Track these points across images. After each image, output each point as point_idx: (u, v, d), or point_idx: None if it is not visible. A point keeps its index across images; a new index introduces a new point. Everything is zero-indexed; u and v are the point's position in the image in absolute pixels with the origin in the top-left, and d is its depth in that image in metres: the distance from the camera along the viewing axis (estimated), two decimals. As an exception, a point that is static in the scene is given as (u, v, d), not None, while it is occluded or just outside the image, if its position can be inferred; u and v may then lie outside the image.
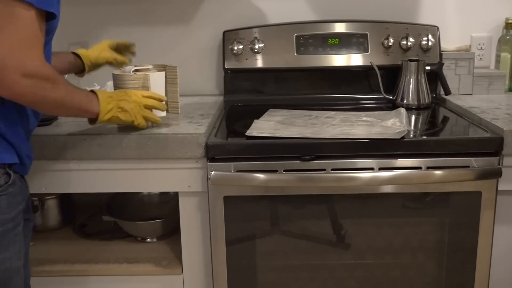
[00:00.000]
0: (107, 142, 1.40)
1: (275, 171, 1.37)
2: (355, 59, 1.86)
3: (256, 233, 1.45)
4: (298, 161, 1.37)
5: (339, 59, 1.86)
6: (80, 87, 1.82)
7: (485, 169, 1.37)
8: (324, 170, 1.37)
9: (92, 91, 1.32)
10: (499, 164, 1.38)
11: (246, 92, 1.92)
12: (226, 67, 1.88)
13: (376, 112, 1.67)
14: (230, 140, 1.45)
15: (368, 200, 1.43)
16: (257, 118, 1.58)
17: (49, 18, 1.13)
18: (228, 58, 1.87)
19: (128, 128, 1.41)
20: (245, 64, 1.87)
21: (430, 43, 1.85)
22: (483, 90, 1.88)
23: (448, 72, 1.86)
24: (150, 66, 1.53)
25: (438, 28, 1.87)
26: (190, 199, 1.45)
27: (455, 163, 1.38)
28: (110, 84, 1.79)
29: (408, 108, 1.74)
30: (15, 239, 1.14)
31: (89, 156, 1.41)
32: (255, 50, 1.86)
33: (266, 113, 1.67)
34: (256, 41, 1.85)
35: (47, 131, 1.43)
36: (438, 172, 1.36)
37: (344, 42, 1.86)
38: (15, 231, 1.14)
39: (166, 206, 1.73)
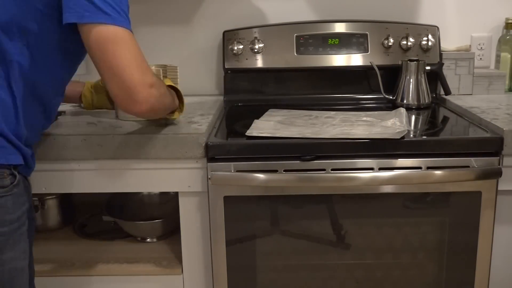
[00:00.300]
0: (107, 142, 1.40)
1: (275, 171, 1.37)
2: (355, 59, 1.86)
3: (256, 233, 1.45)
4: (298, 161, 1.37)
5: (339, 59, 1.86)
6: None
7: (485, 169, 1.37)
8: (324, 170, 1.37)
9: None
10: (499, 164, 1.38)
11: (246, 92, 1.92)
12: (226, 67, 1.88)
13: (376, 112, 1.67)
14: (230, 140, 1.45)
15: (368, 200, 1.43)
16: (257, 118, 1.58)
17: None
18: (228, 58, 1.87)
19: (128, 128, 1.41)
20: (245, 64, 1.87)
21: (430, 43, 1.85)
22: (483, 90, 1.88)
23: (448, 72, 1.86)
24: (153, 66, 1.51)
25: (438, 28, 1.87)
26: (190, 199, 1.45)
27: (455, 163, 1.38)
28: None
29: (408, 108, 1.74)
30: (20, 239, 1.15)
31: (89, 156, 1.41)
32: (255, 50, 1.86)
33: (266, 113, 1.67)
34: (256, 41, 1.85)
35: (47, 131, 1.43)
36: (438, 172, 1.36)
37: (344, 42, 1.86)
38: (20, 231, 1.15)
39: (166, 206, 1.73)
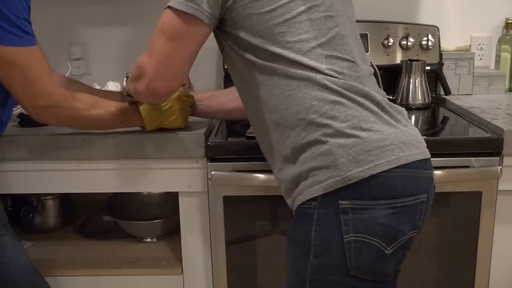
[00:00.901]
0: (107, 142, 1.40)
1: (275, 171, 1.37)
2: (355, 59, 1.86)
3: (256, 233, 1.45)
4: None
5: (339, 59, 1.86)
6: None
7: (485, 169, 1.37)
8: (324, 170, 1.37)
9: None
10: (499, 164, 1.38)
11: (246, 92, 1.92)
12: (226, 67, 1.88)
13: None
14: (230, 140, 1.45)
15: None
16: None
17: None
18: (228, 58, 1.87)
19: (128, 128, 1.41)
20: (245, 64, 1.87)
21: (430, 43, 1.85)
22: (483, 90, 1.88)
23: (448, 72, 1.86)
24: None
25: (438, 28, 1.87)
26: (190, 199, 1.45)
27: (455, 163, 1.38)
28: (110, 84, 1.79)
29: (408, 108, 1.74)
30: None
31: (89, 156, 1.41)
32: (255, 50, 1.85)
33: None
34: (256, 41, 1.85)
35: (47, 131, 1.43)
36: (438, 172, 1.36)
37: (344, 42, 1.86)
38: None
39: (166, 206, 1.73)
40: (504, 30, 1.95)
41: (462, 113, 1.67)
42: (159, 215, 1.66)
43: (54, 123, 1.30)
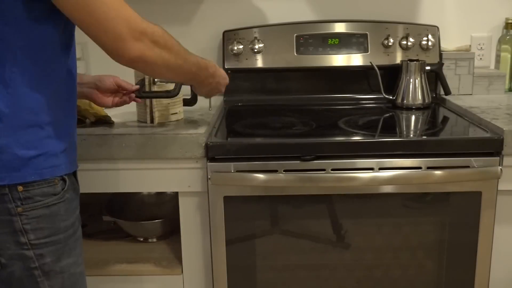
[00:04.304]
0: (107, 142, 1.40)
1: (275, 171, 1.37)
2: (355, 59, 1.86)
3: (256, 233, 1.45)
4: (298, 161, 1.37)
5: (339, 59, 1.86)
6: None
7: (485, 169, 1.37)
8: (324, 170, 1.37)
9: None
10: (499, 164, 1.38)
11: (246, 92, 1.92)
12: (226, 67, 1.88)
13: None
14: (230, 140, 1.45)
15: (368, 200, 1.43)
16: (257, 118, 1.58)
17: None
18: (228, 58, 1.87)
19: (128, 128, 1.41)
20: (245, 64, 1.87)
21: (430, 43, 1.85)
22: (483, 90, 1.88)
23: (448, 72, 1.86)
24: None
25: (438, 28, 1.87)
26: (190, 199, 1.45)
27: (455, 163, 1.38)
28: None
29: (408, 108, 1.74)
30: (76, 244, 1.13)
31: (89, 156, 1.41)
32: (255, 50, 1.86)
33: None
34: (256, 41, 1.85)
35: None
36: (438, 172, 1.36)
37: (344, 42, 1.86)
38: (75, 236, 1.13)
39: (166, 206, 1.73)
40: (504, 30, 1.95)
41: (462, 113, 1.67)
42: (159, 215, 1.66)
43: (145, 62, 1.12)
